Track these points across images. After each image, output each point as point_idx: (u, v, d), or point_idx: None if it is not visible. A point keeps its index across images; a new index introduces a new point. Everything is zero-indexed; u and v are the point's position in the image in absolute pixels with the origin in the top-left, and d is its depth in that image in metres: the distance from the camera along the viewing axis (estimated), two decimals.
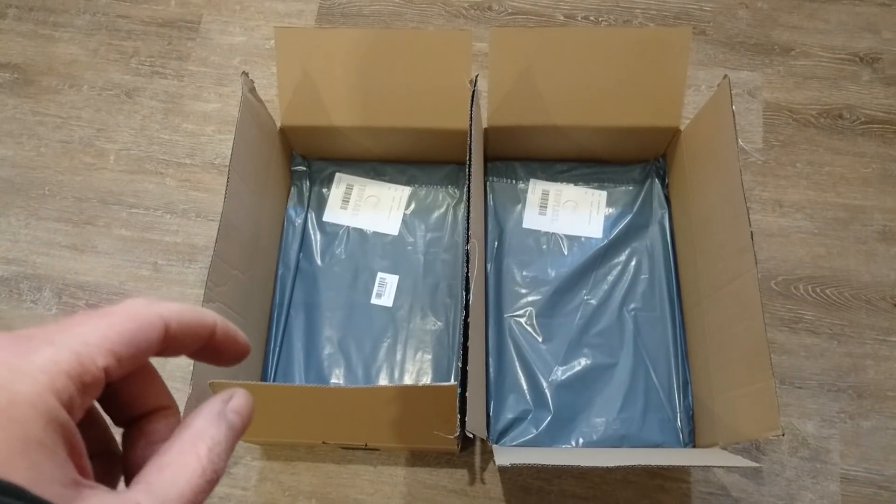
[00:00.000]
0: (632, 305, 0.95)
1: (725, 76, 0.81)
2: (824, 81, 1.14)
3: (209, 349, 0.30)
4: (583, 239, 1.00)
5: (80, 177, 1.10)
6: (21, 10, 1.22)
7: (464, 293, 0.73)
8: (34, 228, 1.06)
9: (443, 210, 1.02)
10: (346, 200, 1.03)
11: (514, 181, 1.03)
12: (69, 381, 0.23)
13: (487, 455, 0.91)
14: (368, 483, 0.90)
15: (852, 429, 0.92)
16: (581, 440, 0.88)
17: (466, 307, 0.71)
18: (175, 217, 1.06)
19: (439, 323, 0.95)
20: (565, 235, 1.00)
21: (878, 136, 1.09)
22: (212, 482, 0.26)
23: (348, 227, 1.01)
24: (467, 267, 0.73)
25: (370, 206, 1.03)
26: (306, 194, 1.03)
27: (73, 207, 1.07)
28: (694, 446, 0.88)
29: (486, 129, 0.97)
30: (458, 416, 0.69)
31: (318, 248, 1.00)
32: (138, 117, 1.14)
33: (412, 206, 1.03)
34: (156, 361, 0.95)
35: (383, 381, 0.92)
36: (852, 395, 0.94)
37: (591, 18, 1.20)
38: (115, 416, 0.29)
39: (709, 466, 0.88)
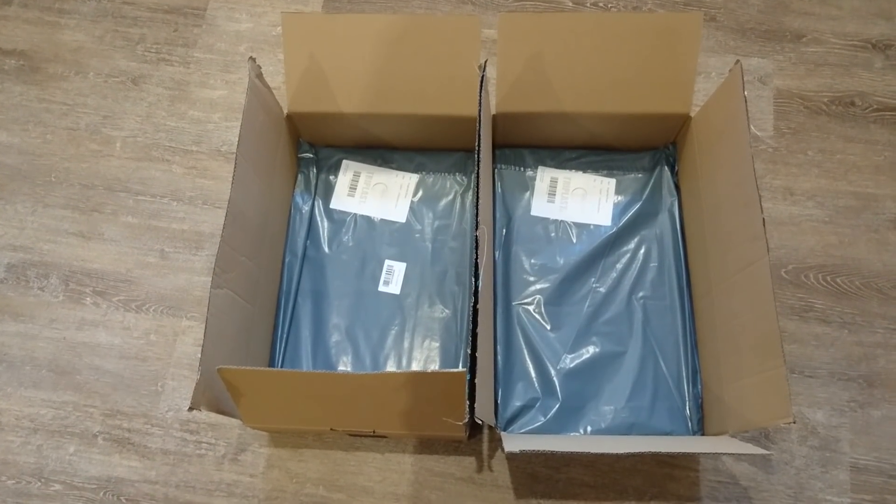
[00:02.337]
0: (641, 293, 0.94)
1: (737, 62, 0.80)
2: (836, 68, 1.12)
3: None
4: (591, 227, 0.99)
5: (87, 164, 1.09)
6: None
7: (473, 280, 0.72)
8: (41, 216, 1.06)
9: (450, 197, 1.02)
10: (353, 188, 1.03)
11: (522, 168, 1.03)
12: None
13: (495, 443, 0.91)
14: (376, 470, 0.90)
15: (862, 418, 0.91)
16: (589, 428, 0.88)
17: (475, 293, 0.71)
18: (182, 204, 1.06)
19: (447, 311, 0.95)
20: (574, 223, 0.99)
21: (890, 123, 1.08)
22: None
23: (356, 214, 1.01)
24: (476, 253, 0.73)
25: (378, 194, 1.02)
26: (313, 181, 1.02)
27: (80, 195, 1.07)
28: (703, 435, 0.87)
29: (494, 115, 0.97)
30: (467, 402, 0.68)
31: (326, 235, 1.00)
32: (144, 104, 1.13)
33: (420, 194, 1.02)
34: (164, 349, 0.95)
35: (391, 368, 0.92)
36: (863, 384, 0.93)
37: (601, 4, 1.19)
38: None
39: (720, 454, 0.88)
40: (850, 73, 1.12)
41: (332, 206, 1.01)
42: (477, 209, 0.76)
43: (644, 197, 1.00)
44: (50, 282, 1.02)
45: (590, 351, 0.92)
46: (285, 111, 0.96)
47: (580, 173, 1.02)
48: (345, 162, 1.04)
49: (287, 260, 0.98)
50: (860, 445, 0.90)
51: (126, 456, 0.92)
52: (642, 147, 1.02)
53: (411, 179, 1.03)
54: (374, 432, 0.82)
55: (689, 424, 0.88)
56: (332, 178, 1.03)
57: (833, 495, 0.88)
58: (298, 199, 1.01)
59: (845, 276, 0.99)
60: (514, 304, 0.95)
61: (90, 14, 1.20)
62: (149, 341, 0.97)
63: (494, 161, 1.03)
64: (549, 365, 0.91)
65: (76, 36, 1.18)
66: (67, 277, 1.02)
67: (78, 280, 1.02)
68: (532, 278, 0.96)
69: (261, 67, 0.86)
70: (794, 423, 0.83)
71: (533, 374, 0.91)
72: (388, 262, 0.98)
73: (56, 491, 0.90)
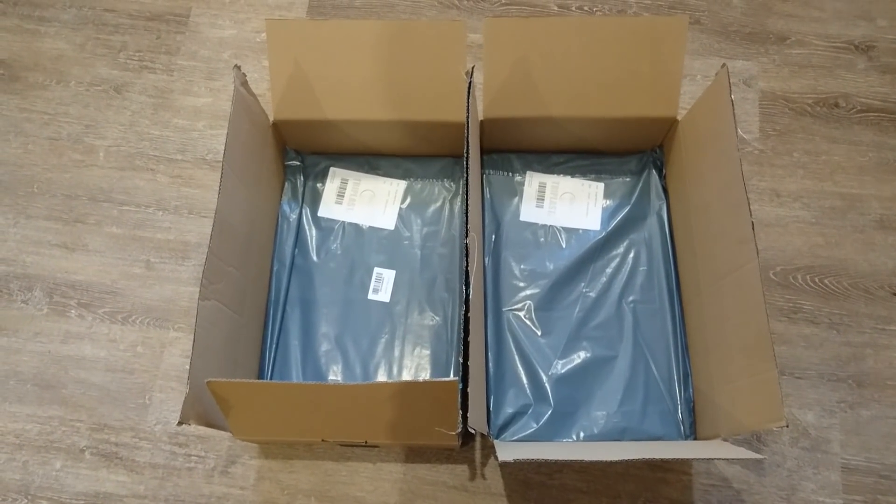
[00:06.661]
0: (631, 298, 0.94)
1: (724, 65, 0.80)
2: (820, 70, 1.13)
3: None
4: (580, 231, 0.99)
5: (70, 174, 1.08)
6: (5, 4, 1.19)
7: (463, 287, 0.72)
8: (23, 227, 1.04)
9: (439, 204, 1.01)
10: (340, 195, 1.02)
11: (510, 173, 1.02)
12: None
13: (488, 450, 0.90)
14: (368, 480, 0.89)
15: (852, 418, 0.92)
16: (582, 434, 0.87)
17: (466, 302, 0.71)
18: (167, 214, 1.05)
19: (437, 318, 0.94)
20: (563, 228, 0.99)
21: (874, 124, 1.09)
22: None
23: (343, 222, 1.00)
24: (466, 261, 0.72)
25: (365, 201, 1.01)
26: (300, 189, 1.01)
27: (63, 205, 1.06)
28: (695, 438, 0.87)
29: (482, 121, 0.96)
30: (460, 411, 0.68)
31: (314, 243, 0.99)
32: (128, 113, 1.12)
33: (408, 200, 1.01)
34: (151, 361, 0.94)
35: (381, 377, 0.91)
36: (852, 385, 0.94)
37: (586, 8, 1.19)
38: None
39: (712, 459, 0.88)
40: (833, 75, 1.13)
41: (319, 213, 1.01)
42: (466, 216, 0.76)
43: (632, 201, 1.00)
44: (34, 294, 1.00)
45: (581, 356, 0.91)
46: (271, 119, 0.95)
47: (568, 178, 1.02)
48: (332, 169, 1.03)
49: (275, 269, 0.97)
50: (851, 446, 0.91)
51: (114, 470, 0.90)
52: (630, 150, 1.02)
53: (399, 186, 1.02)
54: (365, 442, 0.81)
55: (681, 428, 0.88)
56: (319, 185, 1.02)
57: (825, 496, 0.88)
58: (286, 208, 1.00)
59: (833, 277, 1.00)
60: (504, 310, 0.94)
61: (70, 22, 1.18)
62: (135, 353, 0.96)
63: (482, 166, 1.03)
64: (540, 371, 0.90)
65: (57, 44, 1.17)
66: (51, 290, 1.00)
67: (62, 292, 1.00)
68: (522, 284, 0.96)
69: (245, 75, 0.85)
70: (787, 426, 0.84)
71: (524, 380, 0.90)
72: (377, 270, 0.97)
73: None
